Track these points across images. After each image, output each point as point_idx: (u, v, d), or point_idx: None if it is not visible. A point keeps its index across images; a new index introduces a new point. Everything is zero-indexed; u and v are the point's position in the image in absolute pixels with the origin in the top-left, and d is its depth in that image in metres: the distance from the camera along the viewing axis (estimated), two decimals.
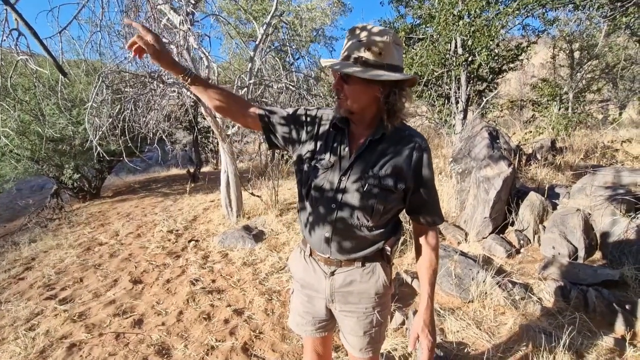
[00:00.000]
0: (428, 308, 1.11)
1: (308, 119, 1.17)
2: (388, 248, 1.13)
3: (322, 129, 1.14)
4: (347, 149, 1.08)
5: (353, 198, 1.06)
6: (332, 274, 1.16)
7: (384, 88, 1.01)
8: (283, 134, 1.18)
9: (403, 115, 1.07)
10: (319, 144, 1.13)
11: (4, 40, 2.50)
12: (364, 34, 0.98)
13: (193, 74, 1.11)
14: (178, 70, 1.08)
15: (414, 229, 1.20)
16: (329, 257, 1.15)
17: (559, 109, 8.77)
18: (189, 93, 4.10)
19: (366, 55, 0.96)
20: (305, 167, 1.13)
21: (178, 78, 1.11)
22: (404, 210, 1.17)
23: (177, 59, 3.96)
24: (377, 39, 0.97)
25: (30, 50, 2.59)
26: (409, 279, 2.75)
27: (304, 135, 1.16)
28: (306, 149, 1.14)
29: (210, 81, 3.95)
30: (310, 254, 1.21)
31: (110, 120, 3.96)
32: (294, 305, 1.32)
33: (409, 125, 1.14)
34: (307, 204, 1.15)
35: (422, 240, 1.16)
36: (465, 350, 2.02)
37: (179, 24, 3.76)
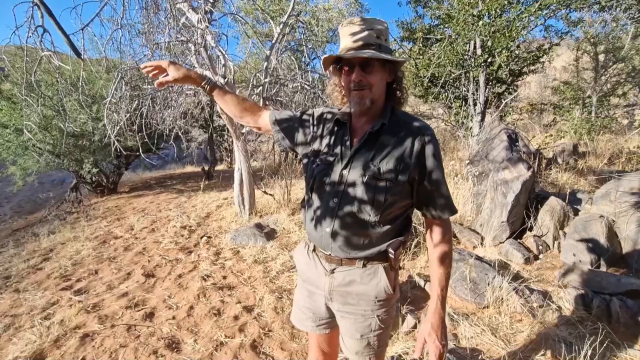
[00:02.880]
0: (437, 311, 1.04)
1: (314, 119, 1.21)
2: (392, 251, 1.07)
3: (326, 127, 1.16)
4: (348, 142, 1.08)
5: (355, 191, 1.04)
6: (332, 271, 1.14)
7: (390, 73, 1.06)
8: (292, 136, 1.23)
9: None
10: (324, 141, 1.14)
11: (29, 37, 2.57)
12: (365, 23, 1.00)
13: (212, 82, 1.24)
14: (198, 79, 1.25)
15: (425, 226, 1.15)
16: (329, 254, 1.13)
17: (582, 113, 8.50)
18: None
19: (379, 41, 1.00)
20: (311, 163, 1.14)
21: (198, 87, 1.28)
22: (415, 207, 1.13)
23: (194, 57, 3.97)
24: (379, 26, 1.01)
25: (54, 47, 2.66)
26: (422, 282, 2.69)
27: (310, 135, 1.19)
28: (312, 147, 1.17)
29: (226, 80, 3.99)
30: (314, 250, 1.19)
31: (128, 115, 4.03)
32: (296, 299, 1.31)
33: (414, 115, 1.14)
34: (313, 199, 1.14)
35: (432, 236, 1.10)
36: (480, 357, 1.95)
37: (197, 23, 3.80)
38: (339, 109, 1.17)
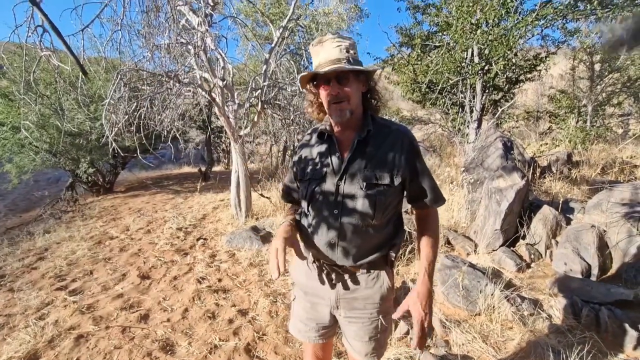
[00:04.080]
0: (424, 282, 1.11)
1: (296, 157, 1.26)
2: (392, 254, 1.15)
3: (305, 149, 1.22)
4: (337, 153, 1.12)
5: (354, 202, 1.08)
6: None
7: (364, 83, 1.12)
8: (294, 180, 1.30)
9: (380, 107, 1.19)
10: (310, 160, 1.19)
11: (29, 36, 2.58)
12: (334, 40, 1.07)
13: (295, 221, 1.22)
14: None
15: (415, 216, 1.24)
16: (334, 264, 1.15)
17: (577, 122, 8.59)
18: (203, 93, 4.16)
19: (349, 55, 1.06)
20: (304, 178, 1.19)
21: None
22: (406, 202, 1.20)
23: (193, 59, 3.99)
24: (347, 41, 1.07)
25: (54, 46, 2.67)
26: None
27: (297, 158, 1.25)
28: (302, 167, 1.22)
29: (224, 83, 4.01)
30: (314, 261, 1.21)
31: (127, 117, 4.03)
32: (295, 311, 1.32)
33: (387, 118, 1.21)
34: (310, 212, 1.17)
35: (423, 221, 1.19)
36: None
37: (198, 25, 3.83)
38: (337, 118, 1.20)
